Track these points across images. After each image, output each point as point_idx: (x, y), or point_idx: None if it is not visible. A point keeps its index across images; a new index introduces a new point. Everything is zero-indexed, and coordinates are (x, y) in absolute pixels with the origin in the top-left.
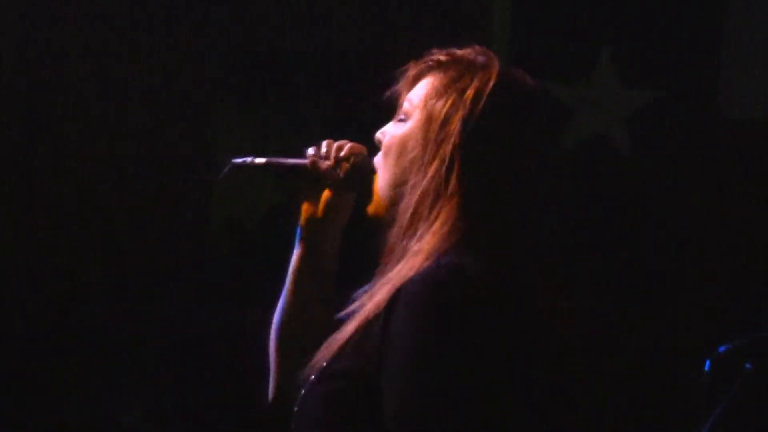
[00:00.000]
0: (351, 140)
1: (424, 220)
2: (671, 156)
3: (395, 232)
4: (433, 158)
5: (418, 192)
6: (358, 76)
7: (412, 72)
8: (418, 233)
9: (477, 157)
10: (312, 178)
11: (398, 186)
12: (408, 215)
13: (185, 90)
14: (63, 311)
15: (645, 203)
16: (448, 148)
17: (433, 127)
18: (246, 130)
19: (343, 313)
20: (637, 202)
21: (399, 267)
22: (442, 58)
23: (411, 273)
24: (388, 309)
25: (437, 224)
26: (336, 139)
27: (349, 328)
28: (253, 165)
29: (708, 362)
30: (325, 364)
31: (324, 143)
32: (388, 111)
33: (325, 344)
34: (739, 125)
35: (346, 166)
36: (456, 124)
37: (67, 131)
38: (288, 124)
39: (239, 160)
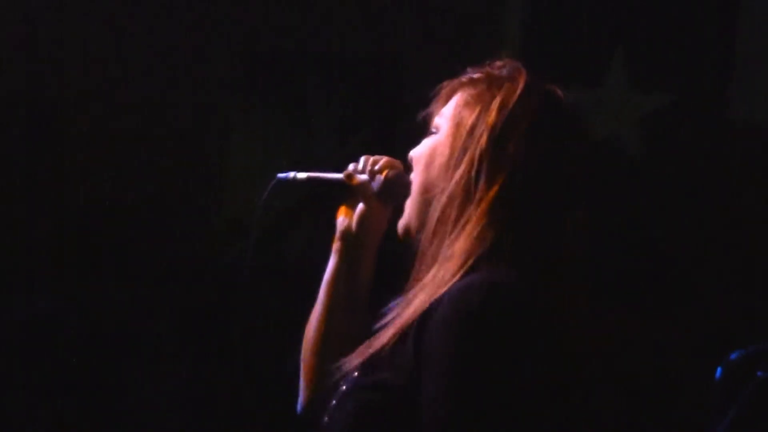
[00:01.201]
0: (365, 149)
1: (453, 224)
2: (683, 159)
3: (425, 236)
4: (460, 164)
5: (446, 196)
6: (367, 78)
7: (445, 90)
8: (449, 238)
9: (503, 162)
10: (348, 192)
11: (427, 192)
12: (436, 218)
13: (193, 91)
14: (66, 310)
15: (657, 206)
16: (475, 153)
17: (460, 134)
18: (254, 132)
19: (379, 324)
20: (649, 205)
21: (432, 273)
22: (475, 75)
23: (446, 280)
24: (421, 322)
25: (468, 229)
26: (375, 153)
27: (385, 337)
28: (295, 180)
29: (719, 369)
30: (357, 374)
31: (363, 158)
32: (417, 121)
33: (358, 352)
34: (751, 128)
35: (380, 179)
36: (482, 131)
37: (69, 132)
38: (296, 126)
39: (284, 175)
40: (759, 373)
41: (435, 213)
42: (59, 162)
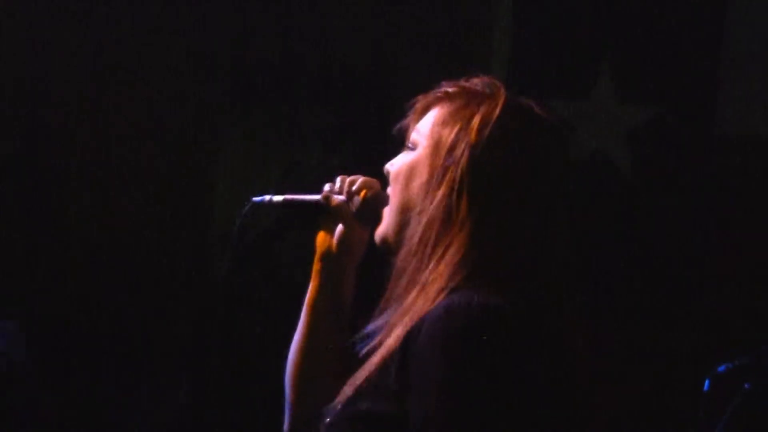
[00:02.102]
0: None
1: (433, 248)
2: (671, 172)
3: (403, 257)
4: (440, 184)
5: (426, 218)
6: (359, 90)
7: (420, 104)
8: (430, 261)
9: (485, 183)
10: (326, 213)
11: (405, 212)
12: (416, 241)
13: (182, 104)
14: (65, 314)
15: (644, 219)
16: (455, 174)
17: (440, 153)
18: (244, 144)
19: (361, 349)
20: (637, 218)
21: (412, 298)
22: (450, 89)
23: (427, 305)
24: (404, 347)
25: (450, 252)
26: (352, 174)
27: (369, 367)
28: (271, 203)
29: (707, 381)
30: (340, 406)
31: (339, 178)
32: (392, 133)
33: (348, 383)
34: (738, 141)
35: (358, 200)
36: (463, 150)
37: (64, 145)
38: (286, 138)
39: (258, 199)
40: (746, 386)
41: (415, 235)
42: (50, 180)
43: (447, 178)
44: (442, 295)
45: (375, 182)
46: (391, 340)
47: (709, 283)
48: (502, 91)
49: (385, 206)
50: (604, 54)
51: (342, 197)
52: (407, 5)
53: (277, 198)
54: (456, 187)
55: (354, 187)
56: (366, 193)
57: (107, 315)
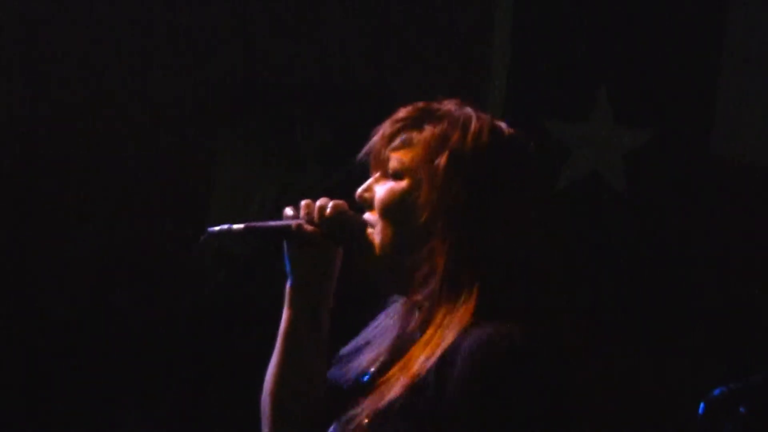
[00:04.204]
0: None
1: (449, 286)
2: (666, 194)
3: (412, 294)
4: (447, 227)
5: (436, 258)
6: (356, 110)
7: (388, 129)
8: (444, 302)
9: (488, 218)
10: (298, 241)
11: (405, 250)
12: (427, 286)
13: (185, 121)
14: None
15: (640, 241)
16: (458, 215)
17: (435, 190)
18: (245, 162)
19: (368, 377)
20: (632, 240)
21: (430, 333)
22: (419, 113)
23: (448, 341)
24: (439, 378)
25: (464, 293)
26: (323, 198)
27: (394, 391)
28: (230, 232)
29: (702, 405)
30: (366, 424)
31: (303, 204)
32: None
33: (365, 405)
34: (733, 165)
35: (326, 224)
36: (461, 187)
37: (62, 147)
38: (282, 157)
39: (215, 228)
40: (741, 409)
41: (425, 281)
42: (48, 180)
43: (451, 221)
44: (467, 331)
45: (341, 203)
46: (414, 371)
47: (705, 301)
48: (479, 115)
49: (355, 228)
50: (602, 76)
51: (311, 227)
52: (407, 24)
53: (238, 226)
54: (461, 228)
55: (326, 213)
56: (332, 216)
57: (104, 315)
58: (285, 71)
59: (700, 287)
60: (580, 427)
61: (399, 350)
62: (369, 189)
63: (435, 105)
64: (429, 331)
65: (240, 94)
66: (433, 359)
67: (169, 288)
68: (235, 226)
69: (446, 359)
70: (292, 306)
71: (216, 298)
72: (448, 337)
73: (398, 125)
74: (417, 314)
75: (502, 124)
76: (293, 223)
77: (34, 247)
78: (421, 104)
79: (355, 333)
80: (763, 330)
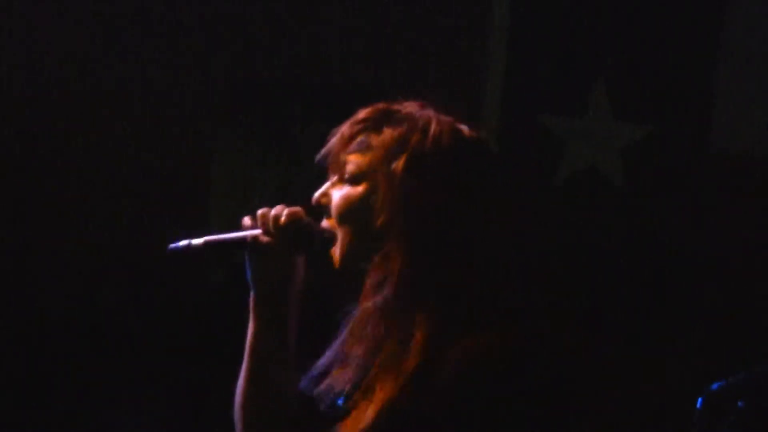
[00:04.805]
0: None
1: (405, 292)
2: (664, 189)
3: (364, 300)
4: (402, 228)
5: (391, 263)
6: (354, 109)
7: (347, 131)
8: (401, 307)
9: (447, 221)
10: (255, 253)
11: (362, 256)
12: (378, 285)
13: (184, 120)
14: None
15: (638, 235)
16: (414, 217)
17: (392, 193)
18: (243, 160)
19: (340, 393)
20: (630, 235)
21: (394, 349)
22: (379, 115)
23: (417, 358)
24: (426, 396)
25: (423, 299)
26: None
27: (372, 411)
28: (190, 248)
29: (700, 400)
30: None
31: (258, 213)
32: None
33: (345, 426)
34: (732, 159)
35: (283, 232)
36: (419, 191)
37: (60, 146)
38: (284, 155)
39: (174, 246)
40: (739, 404)
41: (379, 287)
42: (46, 180)
43: (414, 218)
44: (433, 336)
45: (297, 210)
46: (384, 393)
47: (703, 296)
48: (438, 116)
49: (314, 234)
50: (600, 71)
51: (259, 230)
52: (404, 22)
53: (197, 241)
54: (426, 235)
55: (281, 221)
56: (296, 226)
57: (103, 315)
58: (283, 70)
59: (699, 282)
60: (579, 427)
61: (365, 368)
62: (326, 194)
63: (396, 106)
64: (389, 347)
65: (239, 93)
66: (403, 379)
67: (169, 287)
68: (195, 241)
69: (422, 375)
70: (255, 318)
71: (216, 298)
72: (415, 352)
73: (357, 127)
74: (378, 323)
75: (464, 127)
76: (248, 235)
77: (32, 245)
78: (381, 105)
79: (324, 342)
80: (763, 326)
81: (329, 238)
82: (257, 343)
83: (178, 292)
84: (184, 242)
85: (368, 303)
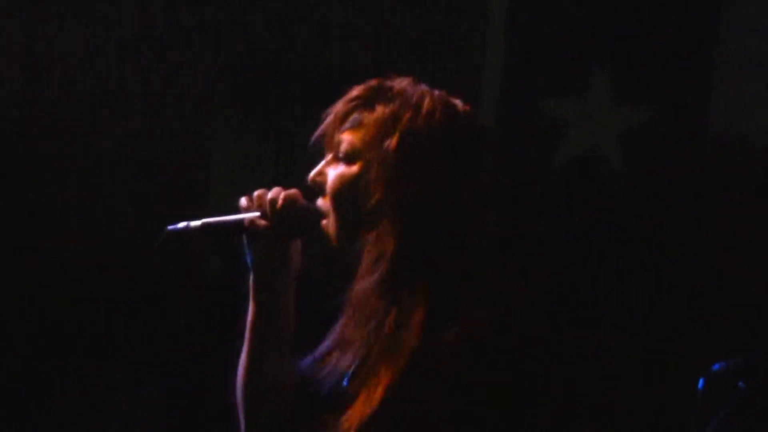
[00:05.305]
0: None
1: (400, 272)
2: (664, 172)
3: (360, 281)
4: (395, 206)
5: (385, 242)
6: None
7: (340, 109)
8: (396, 286)
9: (441, 198)
10: (253, 237)
11: (357, 236)
12: (373, 265)
13: (184, 103)
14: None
15: (637, 219)
16: (408, 194)
17: (385, 171)
18: (243, 143)
19: (336, 375)
20: (630, 218)
21: (393, 332)
22: (372, 93)
23: (415, 339)
24: (430, 379)
25: (417, 280)
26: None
27: (374, 399)
28: (189, 230)
29: (702, 380)
30: (371, 416)
31: (255, 195)
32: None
33: (349, 415)
34: (731, 142)
35: (280, 215)
36: (412, 168)
37: (59, 145)
38: (284, 137)
39: (173, 227)
40: (740, 384)
41: (374, 267)
42: (46, 179)
43: (406, 197)
44: (430, 316)
45: (294, 192)
46: (387, 377)
47: (702, 282)
48: (431, 92)
49: (311, 217)
50: (600, 55)
51: (256, 213)
52: (403, 5)
53: (195, 223)
54: (420, 217)
55: (278, 204)
56: (292, 208)
57: (102, 314)
58: (280, 56)
59: (699, 263)
60: (579, 425)
61: (367, 348)
62: (321, 173)
63: (388, 83)
64: (388, 328)
65: (239, 75)
66: (404, 361)
67: (168, 285)
68: (193, 224)
69: (425, 359)
70: (254, 300)
71: (212, 286)
72: (414, 333)
73: (350, 105)
74: (376, 302)
75: (458, 102)
76: (246, 217)
77: (32, 244)
78: (374, 82)
79: (325, 325)
80: (762, 312)
81: (323, 222)
82: (257, 325)
83: (176, 288)
84: (182, 224)
85: (365, 282)
